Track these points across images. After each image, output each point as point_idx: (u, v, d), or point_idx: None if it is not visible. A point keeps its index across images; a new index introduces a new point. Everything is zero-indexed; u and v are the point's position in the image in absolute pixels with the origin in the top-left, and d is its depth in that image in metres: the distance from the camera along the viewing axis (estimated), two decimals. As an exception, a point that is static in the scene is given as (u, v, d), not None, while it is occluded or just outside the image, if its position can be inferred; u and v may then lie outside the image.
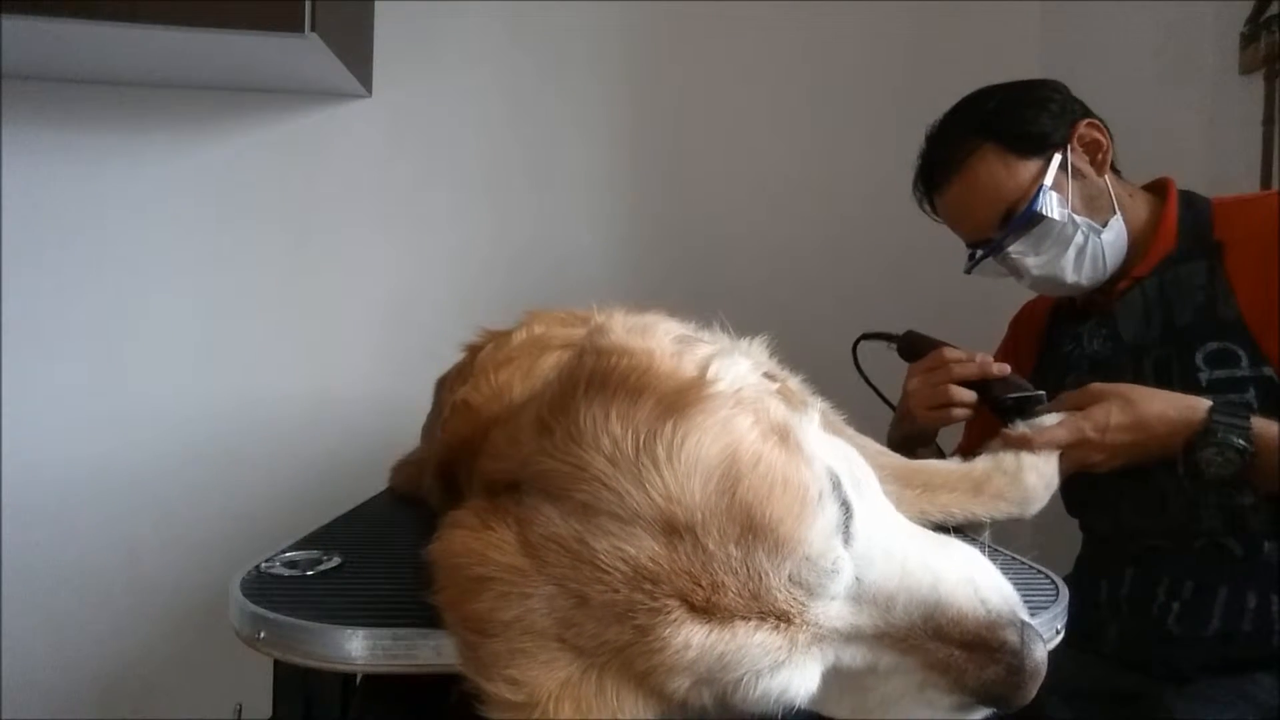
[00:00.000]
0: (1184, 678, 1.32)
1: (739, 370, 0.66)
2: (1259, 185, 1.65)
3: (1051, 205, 1.38)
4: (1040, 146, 1.41)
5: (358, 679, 0.91)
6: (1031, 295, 1.69)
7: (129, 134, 2.06)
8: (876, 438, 1.16)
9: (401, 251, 2.16)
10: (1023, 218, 1.39)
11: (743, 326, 0.84)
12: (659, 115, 2.24)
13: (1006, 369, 1.35)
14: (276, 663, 0.80)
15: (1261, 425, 1.17)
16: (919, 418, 1.40)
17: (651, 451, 0.58)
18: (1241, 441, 1.16)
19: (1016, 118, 1.42)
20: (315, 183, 2.13)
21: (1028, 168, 1.40)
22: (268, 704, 0.86)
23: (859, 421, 1.10)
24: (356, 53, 1.99)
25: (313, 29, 1.65)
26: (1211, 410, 1.19)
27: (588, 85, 2.21)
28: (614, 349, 0.64)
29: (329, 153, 2.13)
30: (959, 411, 1.36)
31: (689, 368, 0.64)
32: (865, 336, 1.58)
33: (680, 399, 0.61)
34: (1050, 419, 1.23)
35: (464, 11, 2.15)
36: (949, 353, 1.38)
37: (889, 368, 1.55)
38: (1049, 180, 1.39)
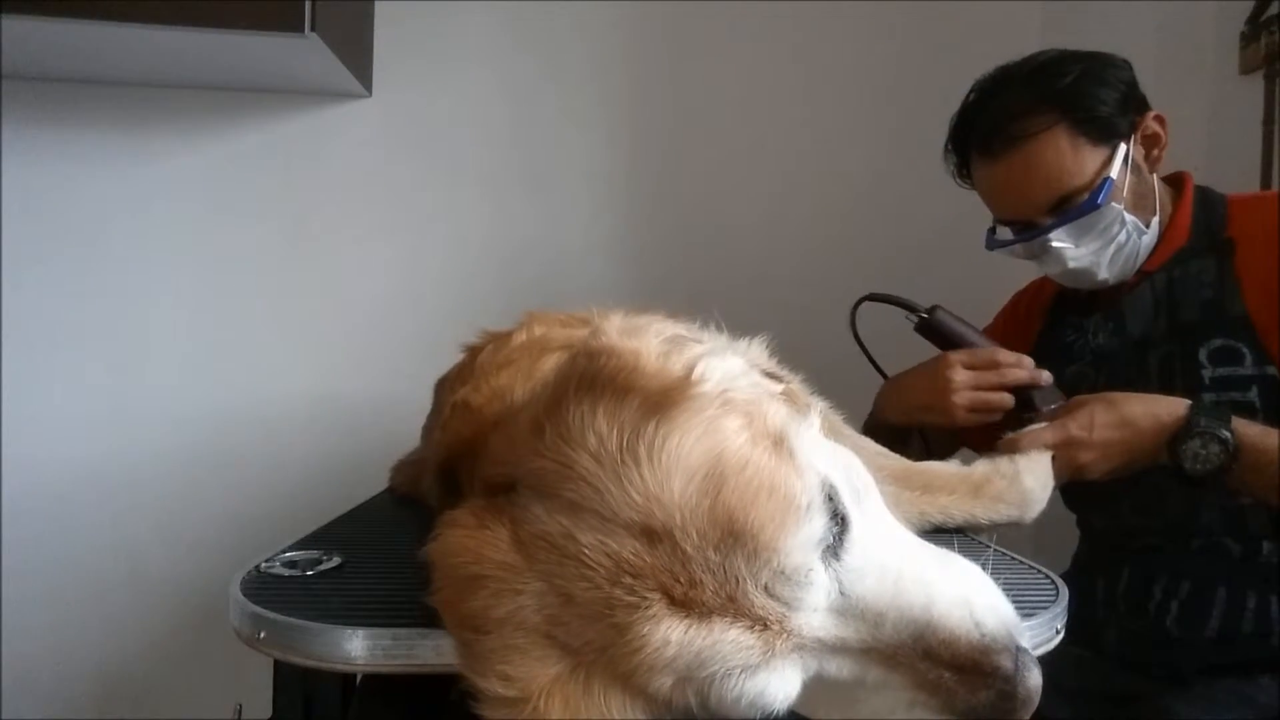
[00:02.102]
0: (1183, 679, 1.31)
1: (728, 370, 0.66)
2: (1259, 185, 1.65)
3: (1111, 200, 1.33)
4: (1110, 134, 1.33)
5: (358, 679, 0.91)
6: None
7: (129, 134, 2.06)
8: (876, 437, 1.16)
9: (401, 251, 2.16)
10: (1081, 209, 1.33)
11: (742, 326, 0.83)
12: (658, 115, 2.24)
13: (1050, 377, 1.33)
14: (276, 663, 0.80)
15: (1241, 424, 1.18)
16: (956, 416, 1.33)
17: (634, 450, 0.59)
18: (1225, 432, 1.17)
19: (1093, 98, 1.33)
20: (315, 182, 2.13)
21: (1095, 156, 1.33)
22: (268, 704, 0.86)
23: (859, 420, 1.10)
24: (356, 53, 1.99)
25: (313, 29, 1.64)
26: (1192, 407, 1.20)
27: (587, 85, 2.21)
28: (604, 350, 0.64)
29: (329, 153, 2.13)
30: (995, 416, 1.33)
31: (676, 367, 0.64)
32: (873, 298, 1.46)
33: (664, 398, 0.61)
34: (1037, 425, 1.24)
35: (464, 11, 2.15)
36: (1003, 355, 1.34)
37: (881, 332, 1.49)
38: (1114, 173, 1.32)
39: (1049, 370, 1.39)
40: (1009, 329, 1.64)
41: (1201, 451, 1.18)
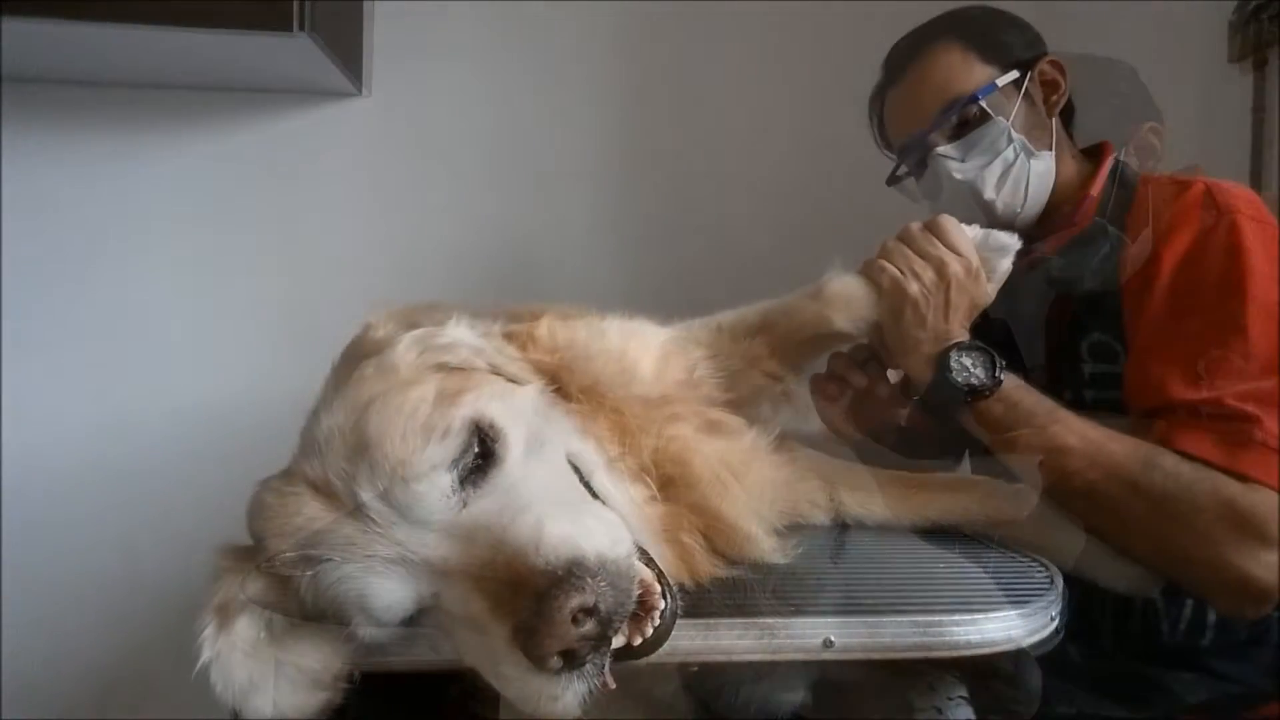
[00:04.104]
0: (1180, 679, 1.31)
1: (452, 343, 0.84)
2: (1248, 174, 1.66)
3: (995, 105, 1.37)
4: (1000, 54, 1.39)
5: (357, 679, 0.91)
6: None
7: (128, 134, 2.06)
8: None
9: (397, 250, 2.16)
10: (964, 102, 1.37)
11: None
12: (654, 114, 2.24)
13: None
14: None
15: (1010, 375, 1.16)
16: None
17: (329, 398, 0.83)
18: (1000, 360, 1.16)
19: (988, 25, 1.43)
20: (311, 182, 2.13)
21: (985, 71, 1.39)
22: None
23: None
24: (349, 52, 1.99)
25: (304, 29, 1.65)
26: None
27: (582, 84, 2.21)
28: (363, 335, 0.92)
29: (325, 152, 2.13)
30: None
31: (406, 348, 0.83)
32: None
33: (384, 372, 0.81)
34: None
35: (458, 11, 2.15)
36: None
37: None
38: (1001, 82, 1.37)
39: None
40: None
41: (971, 365, 1.17)
